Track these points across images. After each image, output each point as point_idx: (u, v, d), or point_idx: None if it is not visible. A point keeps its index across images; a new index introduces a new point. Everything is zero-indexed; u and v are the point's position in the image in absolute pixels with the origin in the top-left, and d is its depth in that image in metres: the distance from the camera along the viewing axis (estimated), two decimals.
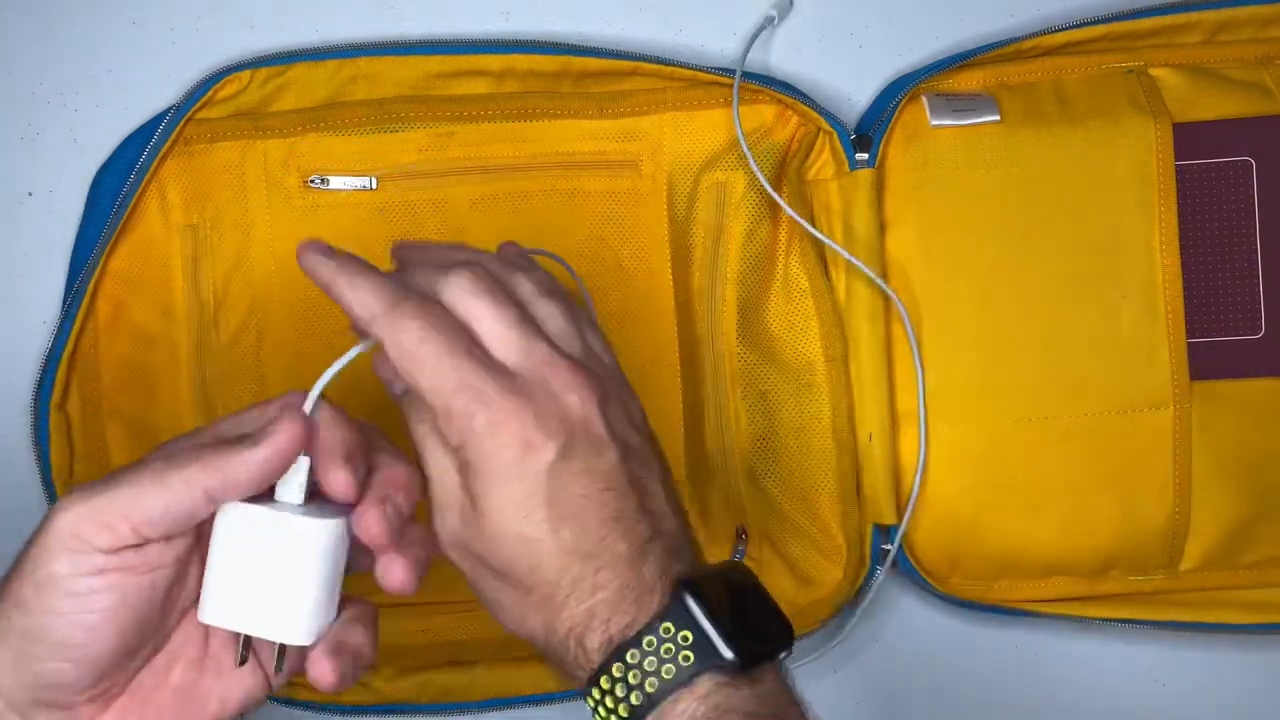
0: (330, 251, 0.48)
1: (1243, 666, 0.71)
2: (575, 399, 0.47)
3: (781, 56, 0.69)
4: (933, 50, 0.69)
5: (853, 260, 0.65)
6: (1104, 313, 0.66)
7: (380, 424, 0.51)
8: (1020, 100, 0.67)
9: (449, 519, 0.48)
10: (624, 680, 0.45)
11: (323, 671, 0.47)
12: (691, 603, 0.46)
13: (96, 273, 0.63)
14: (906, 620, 0.71)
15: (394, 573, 0.47)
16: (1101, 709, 0.71)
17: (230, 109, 0.64)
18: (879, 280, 0.65)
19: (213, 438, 0.47)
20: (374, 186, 0.64)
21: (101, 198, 0.64)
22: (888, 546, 0.67)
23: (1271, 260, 0.67)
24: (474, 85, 0.65)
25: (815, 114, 0.65)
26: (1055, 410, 0.66)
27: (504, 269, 0.50)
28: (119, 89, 0.65)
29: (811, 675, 0.68)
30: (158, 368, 0.64)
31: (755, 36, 0.67)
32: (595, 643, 0.46)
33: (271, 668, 0.49)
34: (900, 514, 0.66)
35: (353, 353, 0.48)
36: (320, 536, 0.47)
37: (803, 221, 0.65)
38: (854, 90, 0.69)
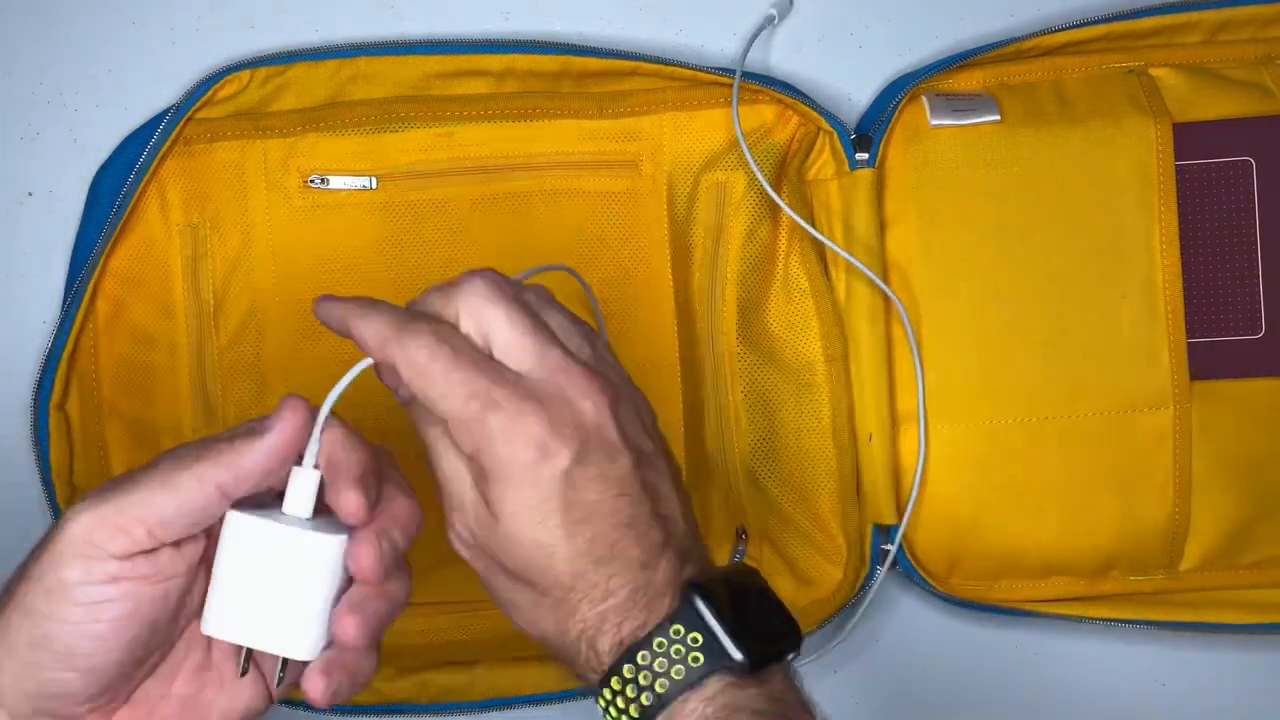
0: (339, 297, 0.49)
1: (1243, 666, 0.71)
2: (589, 404, 0.47)
3: (781, 56, 0.69)
4: (933, 50, 0.69)
5: (852, 260, 0.65)
6: (1104, 313, 0.66)
7: (387, 429, 0.51)
8: (1020, 100, 0.67)
9: (463, 520, 0.48)
10: (634, 681, 0.46)
11: (314, 686, 0.46)
12: (701, 605, 0.46)
13: (96, 273, 0.62)
14: (906, 620, 0.71)
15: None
16: (1101, 709, 0.71)
17: (230, 109, 0.64)
18: (879, 280, 0.65)
19: (216, 439, 0.47)
20: (374, 186, 0.64)
21: (101, 198, 0.64)
22: (888, 546, 0.67)
23: (1271, 260, 0.67)
24: (474, 85, 0.65)
25: (815, 114, 0.65)
26: (1055, 410, 0.66)
27: (509, 281, 0.50)
28: (119, 89, 0.65)
29: (811, 675, 0.67)
30: (157, 368, 0.64)
31: (755, 36, 0.67)
32: (606, 644, 0.47)
33: (273, 681, 0.48)
34: (900, 514, 0.66)
35: (362, 365, 0.48)
36: (328, 552, 0.46)
37: (802, 222, 0.65)
38: (854, 90, 0.69)
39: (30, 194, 0.66)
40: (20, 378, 0.65)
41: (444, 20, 0.67)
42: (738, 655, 0.46)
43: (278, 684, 0.48)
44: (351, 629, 0.46)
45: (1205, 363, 0.66)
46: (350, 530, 0.47)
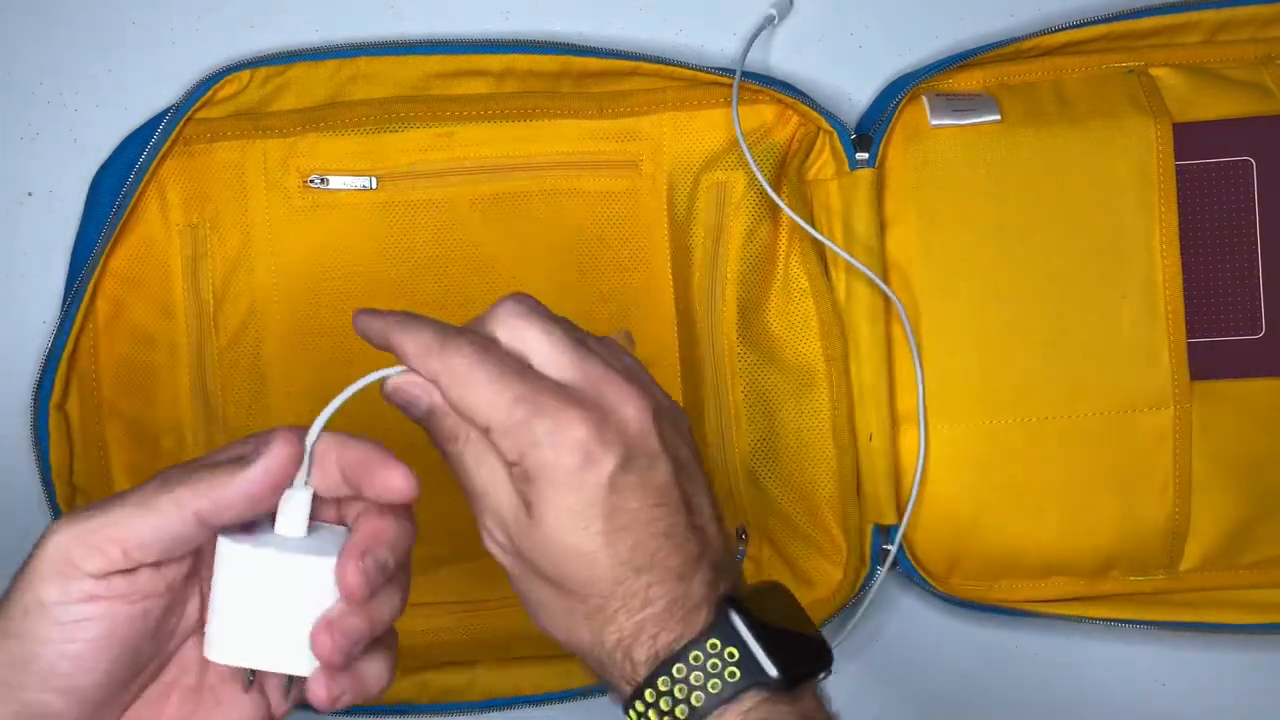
0: (379, 310, 0.49)
1: (1243, 666, 0.71)
2: (632, 410, 0.47)
3: (781, 56, 0.69)
4: (933, 50, 0.69)
5: (851, 260, 0.65)
6: (1104, 313, 0.66)
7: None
8: (1020, 100, 0.67)
9: (500, 525, 0.48)
10: (670, 694, 0.46)
11: (316, 692, 0.46)
12: (738, 620, 0.47)
13: (96, 273, 0.62)
14: (906, 620, 0.71)
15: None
16: (1101, 709, 0.71)
17: (230, 109, 0.64)
18: (878, 280, 0.65)
19: (207, 463, 0.46)
20: (374, 186, 0.64)
21: (101, 198, 0.64)
22: (888, 546, 0.67)
23: (1271, 260, 0.67)
24: (474, 85, 0.65)
25: (815, 114, 0.65)
26: (1055, 410, 0.66)
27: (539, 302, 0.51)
28: (119, 89, 0.65)
29: None
30: (157, 368, 0.64)
31: (755, 36, 0.67)
32: (643, 655, 0.47)
33: (275, 696, 0.48)
34: (900, 514, 0.66)
35: (359, 384, 0.48)
36: (322, 573, 0.46)
37: (802, 223, 0.65)
38: (854, 90, 0.69)
39: (30, 194, 0.66)
40: (20, 378, 0.64)
41: (444, 20, 0.67)
42: (773, 672, 0.46)
43: (285, 697, 0.48)
44: (324, 645, 0.45)
45: (1205, 363, 0.66)
46: (347, 533, 0.47)
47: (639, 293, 0.65)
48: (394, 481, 0.45)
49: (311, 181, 0.64)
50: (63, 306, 0.64)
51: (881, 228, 0.66)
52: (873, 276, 0.65)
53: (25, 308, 0.65)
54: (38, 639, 0.43)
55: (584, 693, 0.67)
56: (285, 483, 0.45)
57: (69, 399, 0.63)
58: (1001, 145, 0.66)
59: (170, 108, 0.64)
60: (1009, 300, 0.66)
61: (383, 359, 0.49)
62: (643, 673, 0.47)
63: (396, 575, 0.47)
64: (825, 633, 0.67)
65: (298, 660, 0.46)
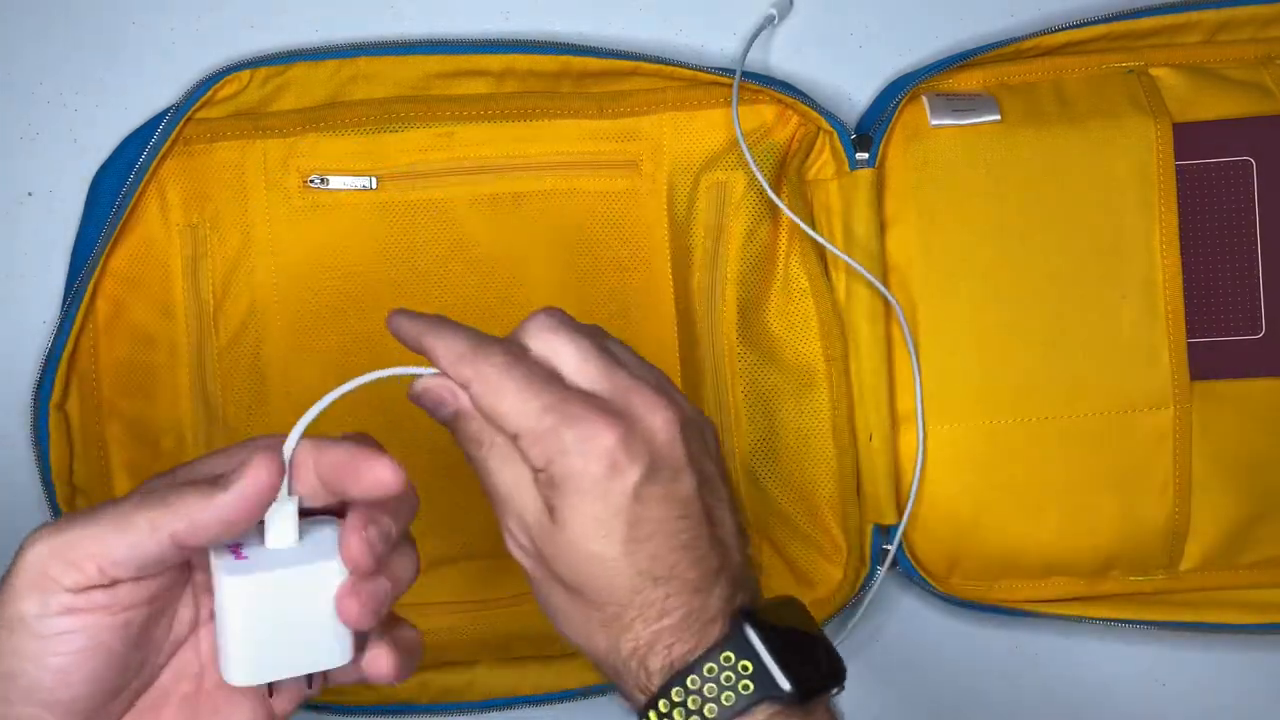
0: (414, 313, 0.50)
1: (1243, 666, 0.71)
2: (660, 421, 0.48)
3: (781, 56, 0.69)
4: (933, 50, 0.69)
5: (850, 261, 0.65)
6: (1104, 313, 0.66)
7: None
8: (1020, 100, 0.67)
9: (523, 528, 0.49)
10: (683, 705, 0.47)
11: (380, 665, 0.46)
12: (752, 634, 0.47)
13: (96, 273, 0.62)
14: (906, 620, 0.71)
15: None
16: (1101, 709, 0.71)
17: (230, 109, 0.64)
18: (876, 281, 0.65)
19: (187, 477, 0.45)
20: (374, 186, 0.64)
21: (101, 198, 0.64)
22: (888, 546, 0.67)
23: (1271, 260, 0.67)
24: (474, 85, 0.65)
25: (815, 114, 0.65)
26: (1055, 410, 0.66)
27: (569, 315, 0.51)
28: (119, 89, 0.65)
29: None
30: (157, 368, 0.64)
31: (755, 36, 0.67)
32: (657, 664, 0.47)
33: (278, 699, 0.47)
34: (900, 514, 0.66)
35: (332, 396, 0.46)
36: (327, 573, 0.45)
37: (801, 223, 0.65)
38: (854, 90, 0.69)
39: (30, 194, 0.66)
40: (20, 378, 0.65)
41: (444, 20, 0.67)
42: (786, 685, 0.47)
43: (308, 686, 0.48)
44: (351, 610, 0.45)
45: (1205, 363, 0.66)
46: (339, 524, 0.46)
47: (639, 293, 0.65)
48: (382, 474, 0.44)
49: (311, 181, 0.64)
50: (63, 306, 0.64)
51: (881, 228, 0.66)
52: (870, 278, 0.65)
53: (25, 308, 0.65)
54: (20, 653, 0.42)
55: (584, 693, 0.67)
56: (264, 504, 0.44)
57: (69, 399, 0.63)
58: (1001, 145, 0.66)
59: (170, 108, 0.64)
60: (1009, 300, 0.66)
61: (382, 360, 0.48)
62: (657, 682, 0.47)
63: (402, 542, 0.47)
64: (825, 632, 0.67)
65: (328, 654, 0.46)
